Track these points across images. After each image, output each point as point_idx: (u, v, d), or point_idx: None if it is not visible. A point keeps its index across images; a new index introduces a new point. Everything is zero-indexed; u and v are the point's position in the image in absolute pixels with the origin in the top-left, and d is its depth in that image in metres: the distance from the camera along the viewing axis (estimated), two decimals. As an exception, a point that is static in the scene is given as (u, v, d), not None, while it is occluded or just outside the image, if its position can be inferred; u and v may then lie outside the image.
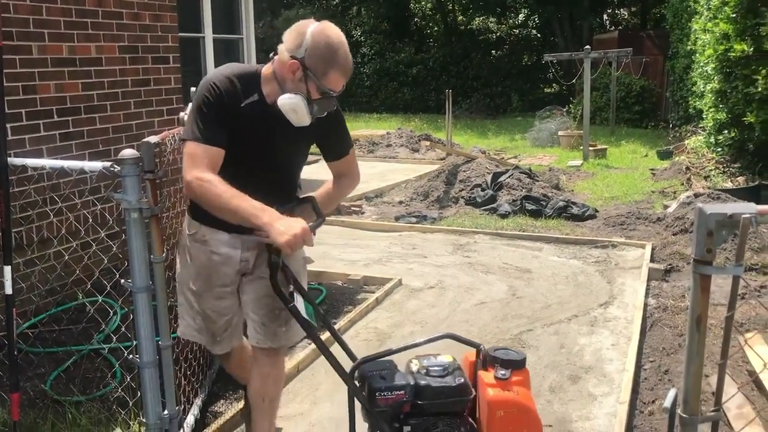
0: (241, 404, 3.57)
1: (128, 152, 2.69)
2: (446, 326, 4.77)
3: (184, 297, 2.92)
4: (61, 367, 3.87)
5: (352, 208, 9.05)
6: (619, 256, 6.42)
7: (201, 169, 2.51)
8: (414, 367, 2.76)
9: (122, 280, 2.90)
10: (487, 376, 2.64)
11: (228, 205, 2.46)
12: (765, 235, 6.39)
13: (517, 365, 2.63)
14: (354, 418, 2.67)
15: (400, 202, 9.42)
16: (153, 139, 2.84)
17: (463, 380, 2.67)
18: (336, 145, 2.85)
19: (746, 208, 1.58)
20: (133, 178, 2.77)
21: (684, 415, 1.70)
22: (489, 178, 8.99)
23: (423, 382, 2.65)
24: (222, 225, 2.70)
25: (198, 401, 3.46)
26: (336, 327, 4.61)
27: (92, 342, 4.17)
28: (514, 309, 5.12)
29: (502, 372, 2.59)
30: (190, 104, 2.81)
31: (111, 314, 4.41)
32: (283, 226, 2.37)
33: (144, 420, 2.99)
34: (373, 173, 12.78)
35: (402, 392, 2.62)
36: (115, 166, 2.70)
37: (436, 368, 2.71)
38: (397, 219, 8.53)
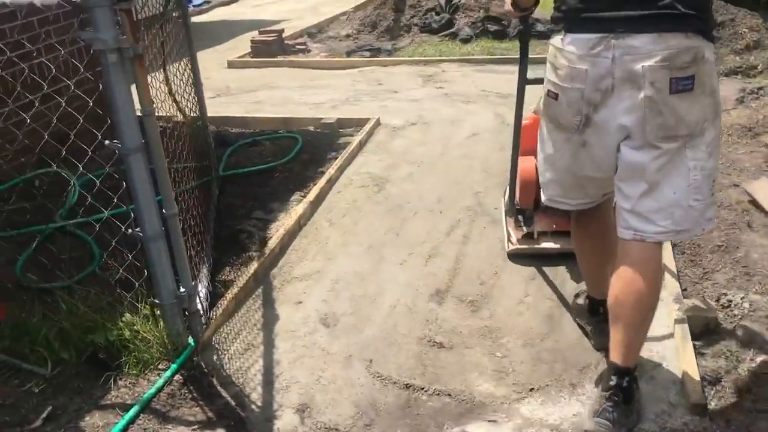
0: (248, 269, 3.18)
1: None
2: (444, 163, 4.40)
3: None
4: (27, 250, 3.33)
5: (297, 47, 8.29)
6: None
7: None
8: None
9: (106, 141, 2.35)
10: None
11: None
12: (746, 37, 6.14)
13: None
14: None
15: (348, 36, 8.69)
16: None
17: None
18: None
19: None
20: (103, 9, 2.15)
21: None
22: (444, 0, 8.30)
23: None
24: None
25: (205, 271, 3.03)
26: (325, 176, 4.19)
27: (55, 219, 3.61)
28: (509, 137, 4.72)
29: None
30: None
31: (69, 187, 3.81)
32: None
33: (157, 301, 2.57)
34: (303, 8, 11.82)
35: None
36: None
37: None
38: (348, 54, 7.87)
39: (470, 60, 6.71)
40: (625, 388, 2.14)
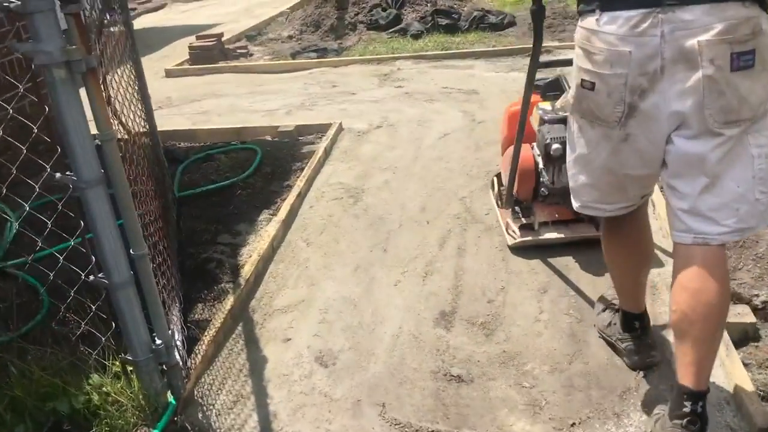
0: (223, 304, 2.80)
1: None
2: (420, 168, 4.09)
3: None
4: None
5: (238, 51, 7.85)
6: (559, 62, 5.88)
7: None
8: None
9: (57, 174, 1.95)
10: None
11: None
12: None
13: None
14: None
15: (290, 37, 8.30)
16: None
17: None
18: None
19: None
20: (46, 15, 1.77)
21: None
22: (389, -5, 7.99)
23: None
24: None
25: (176, 312, 2.64)
26: (294, 190, 3.82)
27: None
28: (482, 135, 4.49)
29: None
30: None
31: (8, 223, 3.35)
32: None
33: (130, 357, 2.18)
34: (236, 11, 11.37)
35: None
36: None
37: None
38: (293, 56, 7.48)
39: (425, 56, 6.42)
40: (701, 414, 1.87)
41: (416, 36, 7.13)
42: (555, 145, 2.87)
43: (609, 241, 2.24)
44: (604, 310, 2.50)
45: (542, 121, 3.00)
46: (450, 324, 2.68)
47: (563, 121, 2.91)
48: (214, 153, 4.59)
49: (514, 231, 3.16)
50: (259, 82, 6.44)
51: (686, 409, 1.86)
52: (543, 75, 3.21)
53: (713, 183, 1.79)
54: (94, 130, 1.89)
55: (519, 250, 3.13)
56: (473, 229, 3.34)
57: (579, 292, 2.79)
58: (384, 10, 7.83)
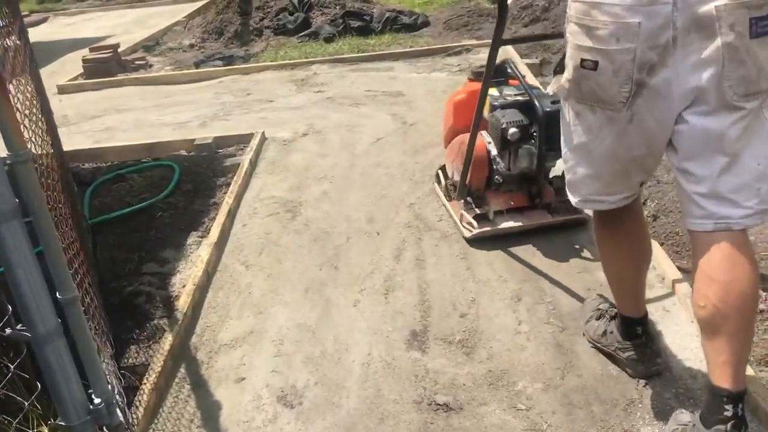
0: (161, 344, 2.44)
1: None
2: (359, 176, 3.81)
3: None
4: None
5: (136, 62, 7.32)
6: (480, 59, 5.76)
7: None
8: None
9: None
10: None
11: None
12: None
13: None
14: None
15: (192, 46, 7.83)
16: None
17: None
18: None
19: None
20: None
21: None
22: (296, -1, 7.67)
23: None
24: None
25: (108, 359, 2.24)
26: (223, 207, 3.47)
27: None
28: (417, 138, 4.27)
29: None
30: None
31: None
32: None
33: (62, 422, 1.79)
34: (127, 22, 10.73)
35: None
36: None
37: None
38: (197, 65, 7.03)
39: (341, 59, 6.15)
40: (743, 417, 1.69)
41: (328, 39, 6.85)
42: (512, 129, 2.81)
43: (607, 238, 2.04)
44: (596, 318, 2.31)
45: (493, 107, 2.91)
46: (424, 345, 2.42)
47: (515, 105, 2.90)
48: (125, 173, 4.15)
49: (470, 222, 3.03)
50: (165, 93, 5.97)
51: (728, 413, 1.69)
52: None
53: (733, 162, 1.62)
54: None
55: (477, 241, 2.99)
56: (428, 237, 3.10)
57: (556, 294, 2.60)
58: (291, 13, 7.50)
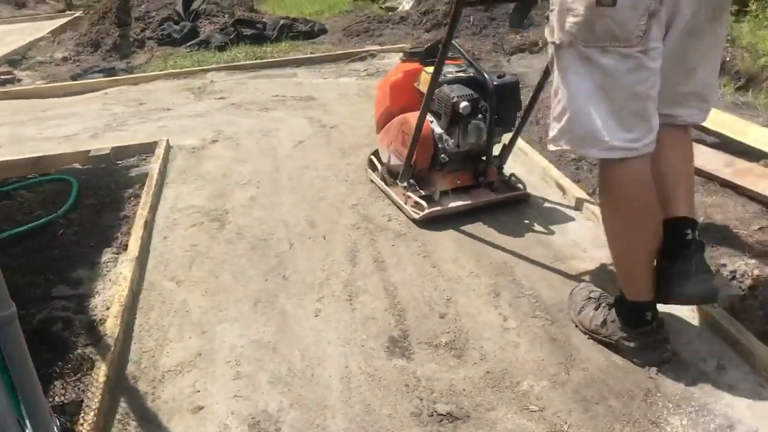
0: (93, 376, 2.02)
1: None
2: (288, 179, 3.48)
3: None
4: None
5: (2, 77, 6.56)
6: (386, 63, 5.60)
7: None
8: None
9: None
10: None
11: None
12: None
13: None
14: None
15: (66, 59, 7.14)
16: None
17: None
18: None
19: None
20: None
21: None
22: (180, 7, 7.17)
23: None
24: None
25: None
26: (138, 220, 3.06)
27: None
28: (342, 140, 4.01)
29: None
30: None
31: None
32: None
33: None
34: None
35: None
36: None
37: None
38: (74, 79, 6.40)
39: (239, 66, 5.77)
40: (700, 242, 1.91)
41: (221, 48, 6.45)
42: (463, 103, 2.75)
43: (632, 209, 1.88)
44: (593, 308, 2.13)
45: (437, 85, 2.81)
46: (408, 351, 2.15)
47: (459, 81, 2.85)
48: (10, 190, 3.59)
49: (417, 203, 2.91)
50: (43, 107, 5.34)
51: (689, 237, 1.88)
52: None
53: None
54: None
55: (426, 222, 2.88)
56: (382, 238, 2.84)
57: (535, 286, 2.42)
58: (176, 23, 7.02)
